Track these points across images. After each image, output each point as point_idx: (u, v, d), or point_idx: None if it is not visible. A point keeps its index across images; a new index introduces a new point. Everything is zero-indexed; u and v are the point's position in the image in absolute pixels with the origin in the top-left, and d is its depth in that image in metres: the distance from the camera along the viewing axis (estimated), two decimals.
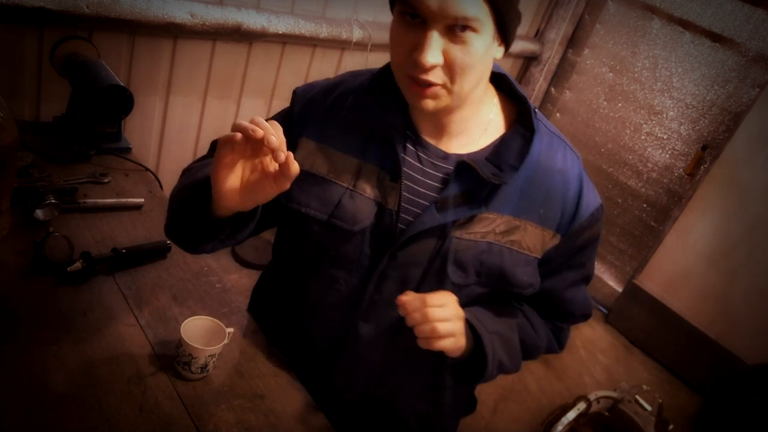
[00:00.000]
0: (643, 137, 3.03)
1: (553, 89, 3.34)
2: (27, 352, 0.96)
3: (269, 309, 1.18)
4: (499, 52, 0.87)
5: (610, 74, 3.11)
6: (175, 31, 1.86)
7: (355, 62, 2.45)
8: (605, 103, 3.15)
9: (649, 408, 2.26)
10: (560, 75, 3.30)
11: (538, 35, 3.20)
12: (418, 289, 0.94)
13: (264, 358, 1.12)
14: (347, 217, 0.95)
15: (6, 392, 0.89)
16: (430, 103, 0.86)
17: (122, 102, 1.50)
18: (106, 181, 1.46)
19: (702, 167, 2.83)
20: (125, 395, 0.95)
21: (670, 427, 2.27)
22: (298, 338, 1.09)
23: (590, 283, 1.10)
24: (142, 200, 1.42)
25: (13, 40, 1.64)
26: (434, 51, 0.80)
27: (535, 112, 0.96)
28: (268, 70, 2.25)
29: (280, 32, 2.09)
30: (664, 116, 2.95)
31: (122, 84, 1.49)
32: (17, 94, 1.73)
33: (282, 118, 1.03)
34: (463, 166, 0.92)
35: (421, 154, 0.95)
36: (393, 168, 0.94)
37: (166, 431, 0.92)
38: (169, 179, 2.23)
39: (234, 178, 0.80)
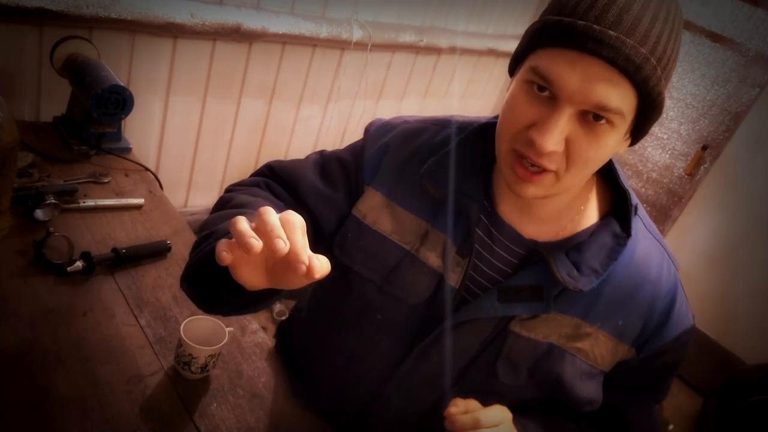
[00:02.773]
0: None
1: None
2: (27, 352, 0.96)
3: (299, 354, 1.08)
4: (623, 146, 0.75)
5: None
6: (175, 31, 1.86)
7: (355, 62, 2.45)
8: None
9: None
10: None
11: None
12: (462, 379, 0.85)
13: (264, 357, 1.12)
14: (404, 286, 0.86)
15: (6, 392, 0.89)
16: (530, 190, 0.74)
17: (122, 102, 1.50)
18: (106, 181, 1.46)
19: (702, 167, 2.83)
20: (125, 395, 0.95)
21: (670, 427, 2.27)
22: (327, 392, 1.01)
23: None
24: (142, 200, 1.42)
25: (13, 39, 1.64)
26: (559, 136, 0.67)
27: (635, 209, 0.81)
28: (268, 70, 2.25)
29: (280, 32, 2.09)
30: (664, 116, 2.95)
31: (122, 84, 1.49)
32: (17, 94, 1.73)
33: (351, 154, 0.93)
34: (537, 256, 0.81)
35: (493, 230, 0.84)
36: (463, 242, 0.83)
37: (166, 431, 0.92)
38: (170, 179, 2.24)
39: (253, 273, 0.62)
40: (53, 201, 1.24)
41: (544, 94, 0.69)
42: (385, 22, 2.46)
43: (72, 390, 0.93)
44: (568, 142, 0.69)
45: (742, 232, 2.68)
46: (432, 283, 0.85)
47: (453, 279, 0.84)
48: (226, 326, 1.03)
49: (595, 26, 0.64)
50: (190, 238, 1.36)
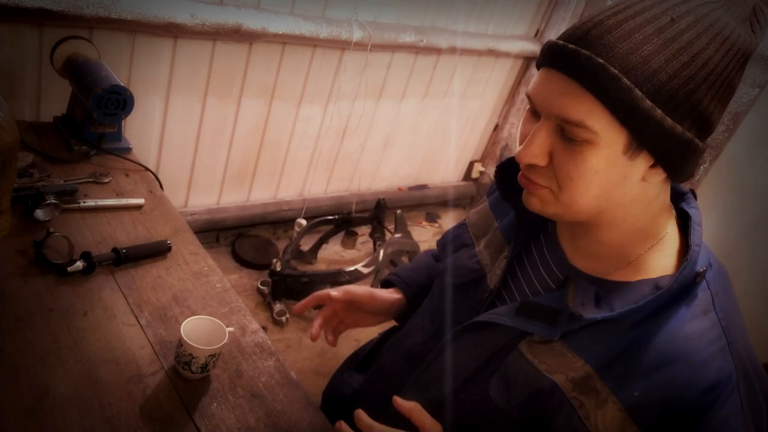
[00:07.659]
0: None
1: None
2: (27, 352, 0.96)
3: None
4: (652, 176, 0.71)
5: None
6: (175, 32, 1.87)
7: (355, 62, 2.45)
8: None
9: None
10: None
11: (538, 35, 3.20)
12: (464, 386, 0.84)
13: (264, 357, 1.12)
14: (452, 265, 0.96)
15: (6, 392, 0.89)
16: (534, 202, 0.75)
17: (122, 102, 1.50)
18: (106, 181, 1.46)
19: (701, 167, 2.83)
20: (125, 395, 0.95)
21: None
22: (373, 375, 1.08)
23: None
24: (143, 200, 1.42)
25: (13, 39, 1.64)
26: (535, 148, 0.70)
27: (700, 274, 0.72)
28: (268, 70, 2.25)
29: (280, 32, 2.09)
30: None
31: (123, 84, 1.49)
32: (17, 94, 1.73)
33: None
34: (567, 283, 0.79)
35: (545, 251, 0.86)
36: (515, 249, 0.88)
37: (166, 431, 0.93)
38: (170, 179, 2.25)
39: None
40: (53, 201, 1.24)
41: (536, 113, 0.73)
42: (385, 23, 2.46)
43: (72, 390, 0.93)
44: (552, 158, 0.71)
45: (742, 233, 2.68)
46: (472, 274, 0.92)
47: (492, 280, 0.89)
48: (227, 326, 1.03)
49: (569, 45, 0.67)
50: (190, 238, 1.36)
